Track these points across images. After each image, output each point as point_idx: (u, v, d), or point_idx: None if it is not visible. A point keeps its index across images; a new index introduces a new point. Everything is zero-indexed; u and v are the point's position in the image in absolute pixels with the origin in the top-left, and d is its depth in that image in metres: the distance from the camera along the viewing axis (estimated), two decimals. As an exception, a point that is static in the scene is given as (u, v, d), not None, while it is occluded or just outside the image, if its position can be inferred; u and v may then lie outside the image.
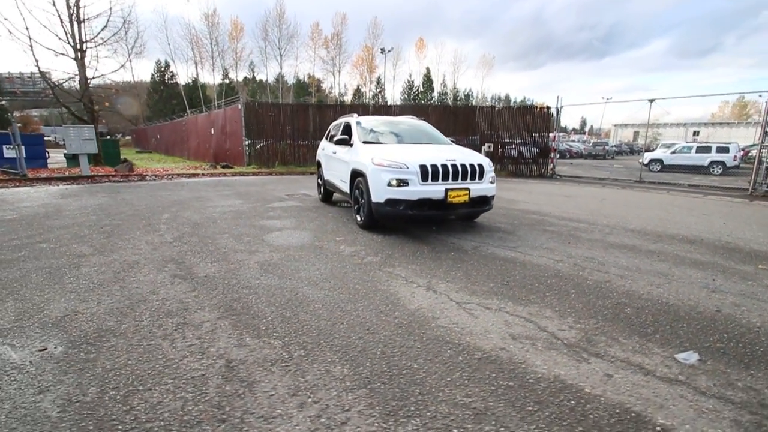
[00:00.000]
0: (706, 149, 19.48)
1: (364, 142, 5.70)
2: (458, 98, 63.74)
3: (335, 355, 2.17)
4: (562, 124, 14.66)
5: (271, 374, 1.99)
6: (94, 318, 2.58)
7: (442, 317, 2.64)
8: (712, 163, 18.82)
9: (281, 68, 52.69)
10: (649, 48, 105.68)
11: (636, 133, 67.05)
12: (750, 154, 24.26)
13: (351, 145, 5.79)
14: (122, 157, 15.91)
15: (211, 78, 51.48)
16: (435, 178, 4.66)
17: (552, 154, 15.68)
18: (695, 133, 56.52)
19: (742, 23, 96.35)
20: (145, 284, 3.19)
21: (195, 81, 49.10)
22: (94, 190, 9.25)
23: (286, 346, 2.26)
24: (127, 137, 45.70)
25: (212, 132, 19.04)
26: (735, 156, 18.82)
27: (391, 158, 4.77)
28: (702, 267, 3.80)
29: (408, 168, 4.62)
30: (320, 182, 7.90)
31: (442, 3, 79.41)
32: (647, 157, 21.61)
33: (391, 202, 4.67)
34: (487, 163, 5.05)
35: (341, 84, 58.16)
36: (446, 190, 4.63)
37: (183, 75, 59.60)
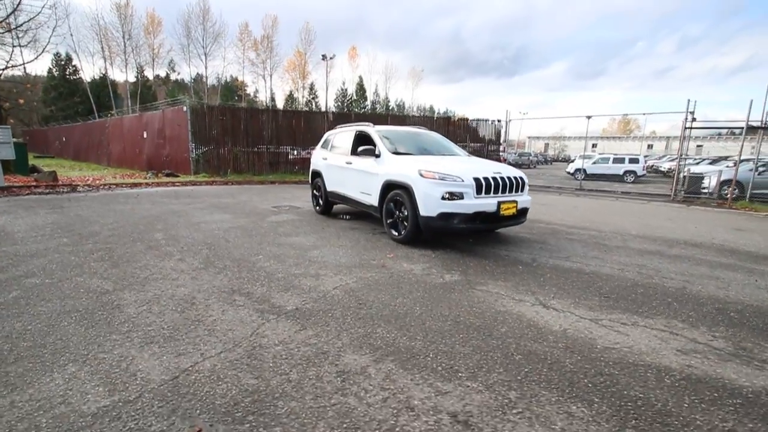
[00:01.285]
0: (620, 160, 22.45)
1: (395, 153, 5.48)
2: (390, 108, 65.26)
3: (558, 391, 1.98)
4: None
5: (514, 427, 1.74)
6: (221, 377, 2.04)
7: (598, 338, 2.58)
8: (626, 172, 21.74)
9: (206, 68, 49.08)
10: (551, 69, 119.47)
11: (546, 145, 75.25)
12: (653, 166, 28.55)
13: (377, 156, 5.52)
14: (30, 164, 13.35)
15: (123, 75, 45.94)
16: (488, 191, 4.63)
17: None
18: (594, 146, 65.10)
19: (623, 52, 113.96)
20: (236, 324, 2.63)
21: (104, 77, 43.33)
22: (25, 204, 7.56)
23: (503, 394, 2.01)
24: (18, 140, 38.53)
25: (144, 136, 16.89)
26: (643, 166, 22.06)
27: (443, 171, 4.63)
28: (732, 268, 4.28)
29: (463, 181, 4.53)
30: (317, 194, 7.42)
31: (369, 14, 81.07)
32: (572, 167, 24.34)
33: (444, 216, 4.52)
34: (525, 176, 5.17)
35: (271, 88, 55.96)
36: (499, 203, 4.62)
37: (88, 71, 52.20)
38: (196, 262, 4.04)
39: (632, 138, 66.00)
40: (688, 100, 12.72)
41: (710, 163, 21.34)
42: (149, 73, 49.06)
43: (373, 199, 5.58)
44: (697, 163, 21.60)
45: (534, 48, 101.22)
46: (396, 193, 5.05)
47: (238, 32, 51.23)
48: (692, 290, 3.53)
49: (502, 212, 4.66)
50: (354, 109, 58.79)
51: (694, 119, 12.90)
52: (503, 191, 4.75)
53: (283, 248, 4.70)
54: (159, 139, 15.99)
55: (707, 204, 11.51)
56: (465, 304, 3.10)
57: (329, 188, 6.92)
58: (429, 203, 4.57)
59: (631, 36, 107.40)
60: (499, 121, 16.94)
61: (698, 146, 58.86)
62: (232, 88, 55.44)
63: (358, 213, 7.46)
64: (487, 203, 4.58)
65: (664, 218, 7.97)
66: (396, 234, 5.11)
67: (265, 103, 54.13)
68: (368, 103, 64.22)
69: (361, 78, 62.98)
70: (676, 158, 14.20)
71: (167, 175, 13.72)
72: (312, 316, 2.80)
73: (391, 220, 5.22)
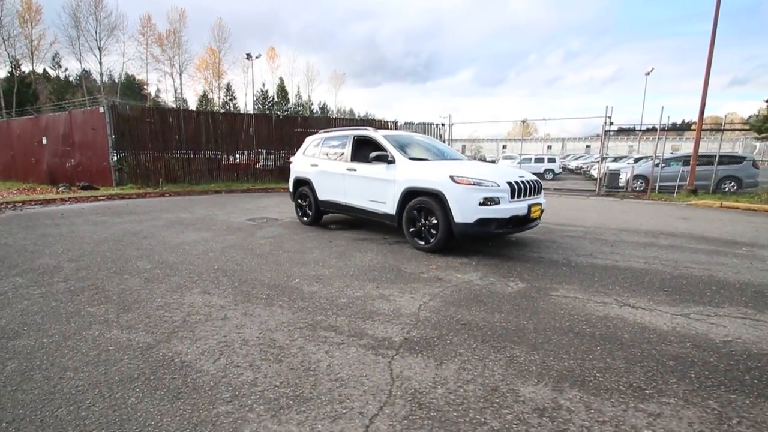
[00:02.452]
0: (541, 160, 24.91)
1: (411, 159, 5.25)
2: (314, 111, 63.93)
3: (742, 393, 1.99)
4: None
5: (748, 439, 1.69)
6: (414, 439, 1.66)
7: (707, 332, 2.69)
8: (546, 170, 24.17)
9: (101, 64, 42.87)
10: (459, 76, 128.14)
11: (464, 146, 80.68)
12: (568, 165, 31.99)
13: (390, 162, 5.24)
14: None
15: (-14, 68, 37.83)
16: (519, 194, 4.67)
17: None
18: (504, 147, 71.49)
19: (518, 62, 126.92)
20: (359, 368, 2.20)
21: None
22: None
23: (707, 406, 1.95)
24: None
25: (44, 142, 14.07)
26: (559, 165, 24.77)
27: (478, 176, 4.55)
28: (723, 254, 4.89)
29: (499, 186, 4.49)
30: (303, 203, 6.84)
31: (283, 14, 78.40)
32: (500, 166, 26.41)
33: (482, 222, 4.44)
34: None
35: (180, 87, 50.99)
36: (529, 206, 4.69)
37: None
38: (228, 294, 3.38)
39: (533, 140, 73.81)
40: (606, 107, 14.49)
41: (613, 161, 24.72)
42: (27, 67, 41.19)
43: (387, 208, 5.28)
44: (601, 161, 24.77)
45: (444, 56, 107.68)
46: (421, 200, 4.84)
47: (140, 25, 45.70)
48: (719, 277, 3.94)
49: (531, 215, 4.74)
50: (276, 110, 56.39)
51: (611, 123, 14.80)
52: (529, 194, 4.84)
53: (311, 267, 4.19)
54: (65, 146, 13.45)
55: (627, 196, 13.26)
56: (562, 313, 3.04)
57: (321, 197, 6.41)
58: (466, 210, 4.45)
59: (525, 48, 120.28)
60: (442, 125, 17.55)
61: (587, 146, 68.04)
62: (134, 87, 49.20)
63: (349, 222, 7.05)
64: (520, 207, 4.61)
65: (618, 211, 8.95)
66: (422, 243, 4.90)
67: (175, 104, 49.03)
68: (290, 105, 62.19)
69: (281, 80, 60.77)
70: (597, 157, 16.23)
71: (84, 188, 11.57)
72: (432, 347, 2.48)
73: (413, 228, 4.99)
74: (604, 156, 15.35)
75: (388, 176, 5.23)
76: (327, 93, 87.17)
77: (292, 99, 63.20)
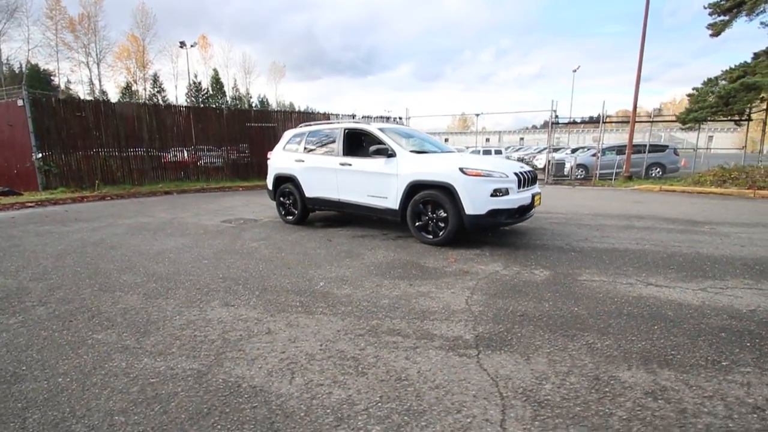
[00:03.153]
0: (488, 152, 26.08)
1: (412, 152, 5.14)
2: (253, 104, 60.90)
3: (792, 361, 2.19)
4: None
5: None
6: (556, 440, 1.60)
7: (732, 304, 2.95)
8: (494, 161, 25.40)
9: (-3, 50, 36.96)
10: (398, 71, 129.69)
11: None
12: (510, 157, 33.72)
13: (391, 156, 5.09)
14: None
15: None
16: (524, 184, 4.78)
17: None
18: (446, 140, 73.97)
19: (455, 58, 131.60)
20: (456, 372, 2.08)
21: None
22: None
23: None
24: None
25: (-61, 140, 11.75)
26: (506, 157, 26.16)
27: (487, 168, 4.57)
28: (694, 233, 5.43)
29: (508, 177, 4.56)
30: (286, 201, 6.45)
31: (210, 0, 73.13)
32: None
33: (493, 213, 4.48)
34: (533, 170, 5.52)
35: (99, 78, 45.72)
36: (532, 196, 4.82)
37: None
38: (255, 305, 3.05)
39: (472, 133, 77.21)
40: (552, 101, 15.48)
41: (553, 151, 26.64)
42: None
43: (389, 202, 5.14)
44: (549, 152, 26.55)
45: (383, 50, 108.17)
46: (428, 193, 4.77)
47: (47, 8, 40.03)
48: (706, 253, 4.37)
49: (534, 204, 4.89)
50: (211, 104, 52.77)
51: (557, 116, 15.87)
52: (529, 184, 4.98)
53: (327, 269, 3.95)
54: (-30, 145, 11.35)
55: (573, 184, 14.36)
56: (601, 296, 3.15)
57: (309, 194, 6.08)
58: (477, 201, 4.46)
59: (460, 45, 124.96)
60: (400, 118, 17.59)
61: (521, 138, 72.54)
62: (40, 78, 43.09)
63: (336, 219, 6.79)
64: (525, 197, 4.73)
65: (579, 198, 9.62)
66: (430, 237, 4.84)
67: (92, 96, 43.82)
68: (227, 98, 58.68)
69: (216, 71, 57.06)
70: (537, 149, 17.40)
71: (4, 194, 9.88)
72: (507, 342, 2.43)
73: (420, 222, 4.91)
74: (554, 147, 16.45)
75: (389, 170, 5.08)
76: (266, 86, 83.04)
77: (229, 92, 59.70)
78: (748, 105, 11.30)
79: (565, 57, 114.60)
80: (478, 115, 17.32)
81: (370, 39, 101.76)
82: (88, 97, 41.86)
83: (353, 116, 16.86)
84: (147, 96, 49.00)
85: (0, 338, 2.55)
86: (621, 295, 3.16)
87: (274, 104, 61.71)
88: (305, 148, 6.24)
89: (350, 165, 5.50)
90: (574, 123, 17.85)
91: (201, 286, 3.50)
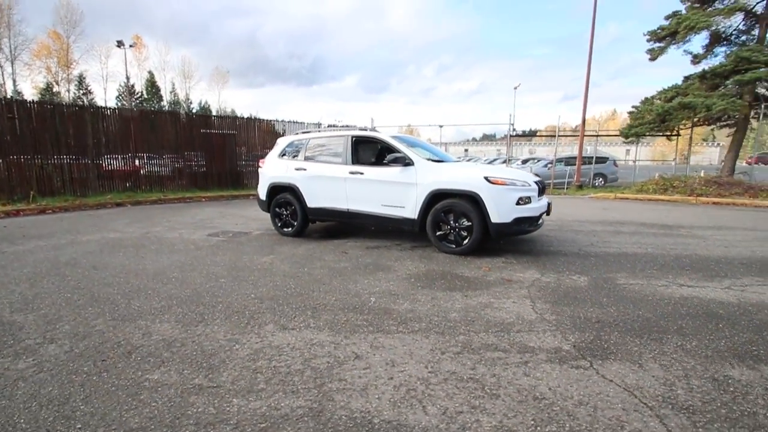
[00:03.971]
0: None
1: (429, 161, 5.08)
2: (193, 110, 57.39)
3: None
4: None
5: None
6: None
7: (765, 300, 3.24)
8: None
9: None
10: (344, 82, 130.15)
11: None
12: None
13: (408, 164, 4.98)
14: None
15: None
16: (540, 193, 4.91)
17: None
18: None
19: (400, 71, 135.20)
20: (587, 389, 2.01)
21: None
22: None
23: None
24: None
25: None
26: (460, 166, 27.16)
27: (510, 176, 4.64)
28: (677, 236, 5.96)
29: (530, 185, 4.65)
30: (283, 212, 6.05)
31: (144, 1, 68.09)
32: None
33: (518, 221, 4.55)
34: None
35: (14, 77, 40.34)
36: (548, 203, 4.98)
37: None
38: (318, 326, 2.76)
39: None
40: (510, 114, 16.41)
41: (502, 163, 28.16)
42: None
43: (407, 212, 5.02)
44: (508, 163, 28.01)
45: (329, 60, 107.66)
46: (451, 202, 4.72)
47: (-59, -8, 34.56)
48: (703, 254, 4.78)
49: (549, 212, 5.05)
50: (147, 108, 48.79)
51: (514, 129, 16.82)
52: (541, 193, 5.14)
53: (366, 283, 3.72)
54: None
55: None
56: (652, 299, 3.28)
57: (312, 205, 5.76)
58: (504, 210, 4.50)
59: (404, 59, 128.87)
60: (366, 128, 17.54)
61: (465, 150, 75.94)
62: (-67, 72, 36.89)
63: (332, 230, 6.51)
64: (543, 204, 4.87)
65: (573, 205, 10.17)
66: (453, 246, 4.78)
67: (9, 95, 38.47)
68: (165, 103, 54.76)
69: (151, 74, 53.11)
70: (495, 160, 18.33)
71: None
72: (607, 349, 2.42)
73: (440, 232, 4.85)
74: (510, 158, 17.39)
75: (406, 179, 4.97)
76: (208, 92, 78.45)
77: (166, 96, 55.79)
78: (682, 122, 12.84)
79: (501, 75, 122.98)
80: (441, 126, 17.85)
81: (316, 49, 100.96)
82: (11, 97, 36.74)
83: (318, 124, 16.50)
84: (71, 98, 44.07)
85: (19, 389, 2.03)
86: (666, 297, 3.32)
87: (215, 111, 58.64)
88: (306, 156, 5.92)
89: (362, 174, 5.30)
90: (533, 135, 19.01)
91: (237, 308, 3.11)
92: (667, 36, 12.86)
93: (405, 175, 4.99)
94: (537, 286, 3.63)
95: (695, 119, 12.50)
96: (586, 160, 16.84)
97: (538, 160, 21.14)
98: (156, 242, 5.61)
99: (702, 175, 12.30)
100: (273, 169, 6.15)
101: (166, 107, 53.48)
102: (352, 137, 5.60)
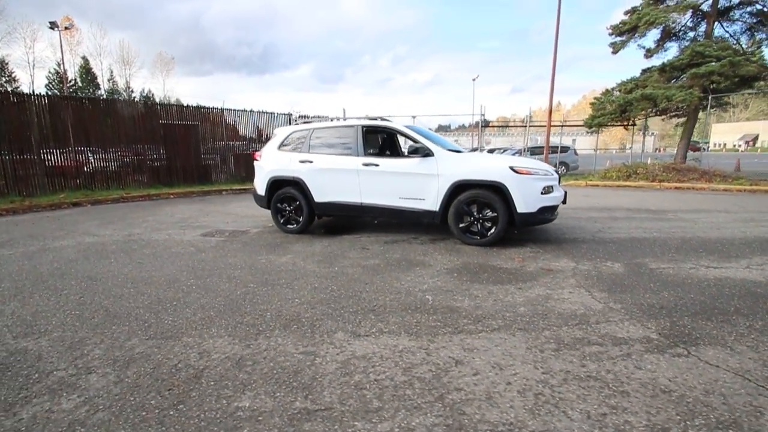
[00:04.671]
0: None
1: (450, 151, 4.95)
2: (135, 99, 53.00)
3: None
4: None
5: None
6: None
7: (790, 277, 3.48)
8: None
9: None
10: (298, 71, 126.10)
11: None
12: None
13: (427, 155, 4.82)
14: None
15: None
16: (558, 182, 4.96)
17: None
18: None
19: (355, 62, 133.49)
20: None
21: None
22: None
23: None
24: None
25: None
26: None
27: (533, 166, 4.63)
28: (666, 220, 6.33)
29: (552, 175, 4.68)
30: (286, 207, 5.69)
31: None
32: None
33: (543, 210, 4.57)
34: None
35: None
36: (564, 192, 5.05)
37: None
38: (390, 330, 2.56)
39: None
40: (481, 105, 16.74)
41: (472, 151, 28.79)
42: None
43: (427, 204, 4.88)
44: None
45: (281, 49, 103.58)
46: (475, 193, 4.64)
47: None
48: (702, 237, 5.08)
49: (565, 200, 5.12)
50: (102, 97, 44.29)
51: (485, 120, 17.15)
52: (558, 182, 5.20)
53: (407, 281, 3.55)
54: None
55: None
56: (693, 283, 3.39)
57: (321, 199, 5.45)
58: (530, 199, 4.49)
59: (359, 49, 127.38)
60: (338, 119, 17.08)
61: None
62: None
63: (337, 225, 6.23)
64: (561, 193, 4.93)
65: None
66: (477, 238, 4.72)
67: None
68: (102, 92, 50.13)
69: (86, 60, 48.38)
70: (474, 149, 18.63)
71: None
72: (691, 336, 2.44)
73: (463, 224, 4.76)
74: (482, 148, 17.74)
75: (427, 170, 4.81)
76: (151, 80, 72.29)
77: (104, 84, 51.10)
78: (642, 112, 13.74)
79: (454, 67, 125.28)
80: (414, 117, 17.81)
81: (267, 36, 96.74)
82: None
83: (289, 115, 15.81)
84: (-12, 85, 38.93)
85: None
86: (703, 279, 3.46)
87: (158, 100, 54.58)
88: (311, 148, 5.56)
89: (377, 165, 5.07)
90: (506, 126, 19.50)
91: (290, 315, 2.82)
92: (628, 30, 13.62)
93: (425, 167, 4.83)
94: (580, 274, 3.65)
95: (654, 110, 13.39)
96: (551, 150, 17.61)
97: (505, 150, 21.79)
98: (146, 245, 5.04)
99: (654, 161, 13.24)
100: (273, 162, 5.73)
101: (104, 96, 48.96)
102: (363, 127, 5.33)
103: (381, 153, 5.31)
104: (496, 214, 4.58)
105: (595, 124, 15.02)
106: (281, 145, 5.81)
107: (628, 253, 4.36)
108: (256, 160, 6.02)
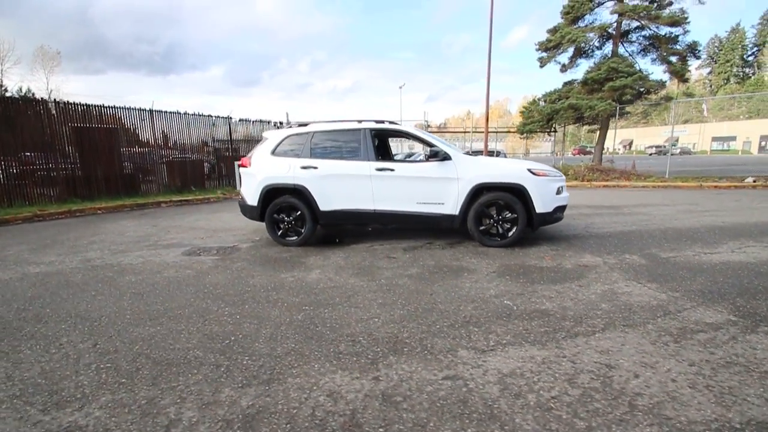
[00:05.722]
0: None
1: (466, 154, 4.95)
2: (43, 98, 44.31)
3: None
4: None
5: None
6: None
7: (771, 257, 4.11)
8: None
9: None
10: (210, 72, 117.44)
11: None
12: None
13: (445, 159, 4.77)
14: None
15: None
16: (562, 182, 5.27)
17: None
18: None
19: (272, 65, 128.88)
20: None
21: None
22: None
23: None
24: None
25: None
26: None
27: (546, 168, 4.84)
28: (629, 215, 7.12)
29: (562, 176, 4.94)
30: (285, 218, 5.18)
31: None
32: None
33: (557, 210, 4.81)
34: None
35: None
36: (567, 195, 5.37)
37: None
38: (519, 341, 2.43)
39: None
40: (424, 112, 17.35)
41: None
42: None
43: (447, 208, 4.82)
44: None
45: (189, 48, 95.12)
46: (495, 195, 4.71)
47: None
48: (673, 226, 5.81)
49: (566, 201, 5.46)
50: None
51: (429, 125, 17.76)
52: (561, 182, 5.51)
53: (467, 288, 3.46)
54: None
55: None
56: (707, 268, 3.82)
57: (327, 207, 5.07)
58: (547, 200, 4.69)
59: (276, 52, 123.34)
60: (281, 123, 16.23)
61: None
62: None
63: (324, 236, 5.86)
64: (568, 193, 5.23)
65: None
66: (497, 239, 4.79)
67: None
68: (-40, 89, 41.02)
69: (-66, 48, 39.03)
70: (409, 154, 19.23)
71: None
72: (765, 315, 2.74)
73: (483, 227, 4.80)
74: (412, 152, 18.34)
75: (446, 174, 4.76)
76: (31, 76, 60.56)
77: (-38, 80, 41.89)
78: (567, 121, 15.44)
79: (372, 75, 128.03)
80: (360, 121, 17.76)
81: (171, 33, 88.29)
82: None
83: (228, 117, 14.60)
84: None
85: None
86: (715, 264, 3.92)
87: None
88: (312, 153, 5.14)
89: (392, 170, 4.87)
90: (444, 131, 20.31)
91: (386, 338, 2.53)
92: (552, 47, 15.22)
93: (444, 170, 4.77)
94: (616, 268, 3.89)
95: (577, 118, 15.14)
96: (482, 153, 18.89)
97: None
98: (124, 272, 4.18)
99: (580, 164, 14.99)
100: (268, 169, 5.17)
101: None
102: (370, 131, 5.09)
103: (389, 157, 5.11)
104: (515, 215, 4.70)
105: (526, 130, 16.47)
106: (275, 150, 5.28)
107: (632, 245, 4.78)
108: (245, 167, 5.39)
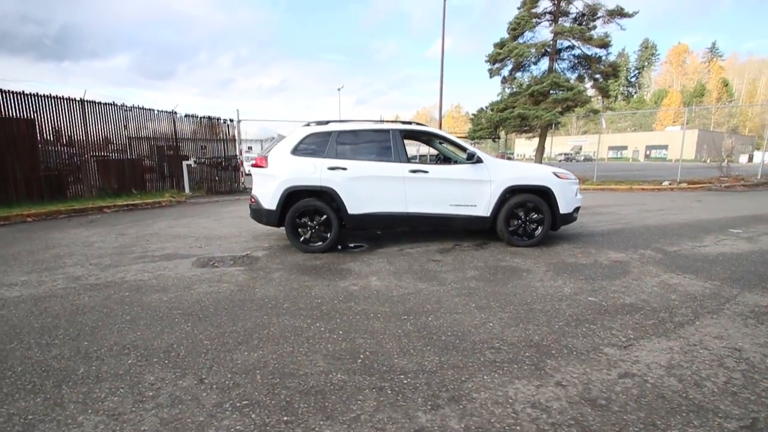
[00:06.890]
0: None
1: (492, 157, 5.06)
2: None
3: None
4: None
5: None
6: None
7: None
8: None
9: None
10: (113, 61, 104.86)
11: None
12: None
13: (477, 162, 4.86)
14: None
15: None
16: (571, 185, 5.65)
17: (242, 168, 15.43)
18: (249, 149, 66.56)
19: (189, 58, 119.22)
20: None
21: None
22: None
23: None
24: None
25: None
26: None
27: (567, 172, 5.16)
28: (605, 214, 7.89)
29: (576, 179, 5.31)
30: (308, 223, 4.85)
31: None
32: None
33: (576, 210, 5.18)
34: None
35: None
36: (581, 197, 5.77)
37: None
38: (650, 337, 2.56)
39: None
40: (380, 115, 17.39)
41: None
42: None
43: (480, 210, 4.91)
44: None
45: (87, 32, 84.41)
46: (525, 197, 4.91)
47: None
48: (658, 224, 6.58)
49: (573, 202, 5.87)
50: None
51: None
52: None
53: (539, 292, 3.57)
54: None
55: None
56: (718, 257, 4.40)
57: (357, 211, 4.85)
58: (569, 201, 5.02)
59: (194, 44, 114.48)
60: (231, 120, 15.06)
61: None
62: None
63: (341, 239, 5.62)
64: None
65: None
66: (525, 239, 5.00)
67: None
68: None
69: None
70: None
71: None
72: (793, 296, 3.24)
73: (512, 228, 4.98)
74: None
75: (480, 176, 4.84)
76: None
77: None
78: (514, 128, 16.68)
79: (301, 75, 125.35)
80: (308, 124, 17.17)
81: (63, 14, 77.06)
82: None
83: (173, 112, 13.19)
84: None
85: None
86: (720, 254, 4.51)
87: None
88: (338, 153, 4.86)
89: (426, 172, 4.81)
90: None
91: (519, 342, 2.49)
92: (501, 60, 16.35)
93: (478, 173, 4.85)
94: (648, 262, 4.29)
95: (522, 127, 16.43)
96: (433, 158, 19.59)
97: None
98: (138, 291, 3.55)
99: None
100: (290, 170, 4.78)
101: None
102: (399, 131, 4.98)
103: (416, 159, 5.05)
104: (542, 216, 4.95)
105: (476, 137, 17.45)
106: (295, 150, 4.89)
107: (636, 241, 5.31)
108: (261, 167, 4.91)
